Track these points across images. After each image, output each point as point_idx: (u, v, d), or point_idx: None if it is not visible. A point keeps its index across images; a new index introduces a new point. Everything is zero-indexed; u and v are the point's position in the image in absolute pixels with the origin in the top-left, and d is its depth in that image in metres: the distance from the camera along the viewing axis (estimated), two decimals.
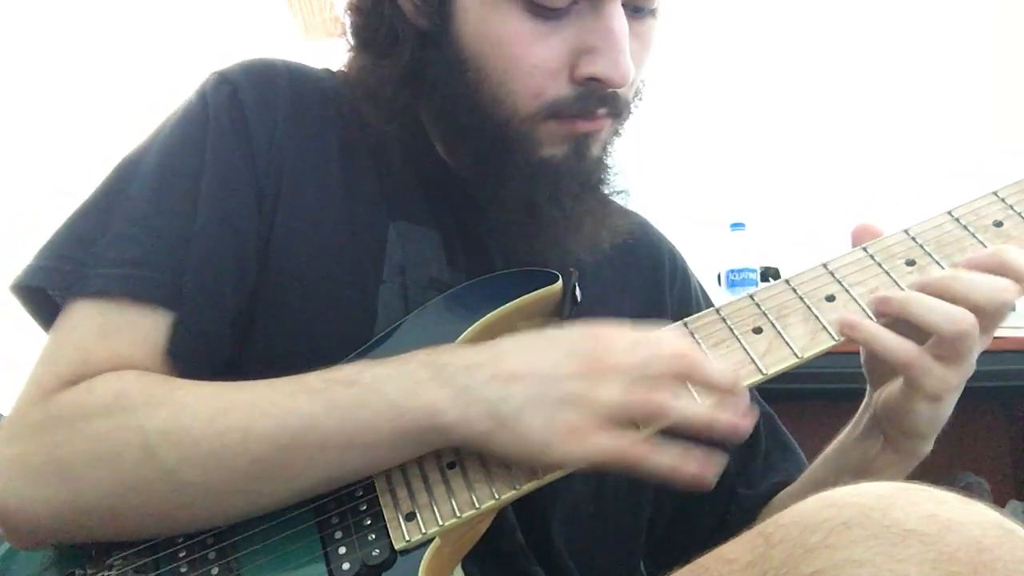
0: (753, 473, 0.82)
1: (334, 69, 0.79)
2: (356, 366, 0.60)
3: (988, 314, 0.59)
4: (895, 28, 2.28)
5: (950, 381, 0.60)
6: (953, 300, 0.59)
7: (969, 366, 0.61)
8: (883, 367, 0.68)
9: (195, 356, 0.64)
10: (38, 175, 2.33)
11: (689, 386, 0.59)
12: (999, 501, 1.79)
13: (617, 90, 0.67)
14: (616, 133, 0.73)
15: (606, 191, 0.73)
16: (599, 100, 0.67)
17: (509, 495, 0.59)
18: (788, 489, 0.80)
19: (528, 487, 0.59)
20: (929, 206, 0.67)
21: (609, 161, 0.73)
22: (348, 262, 0.69)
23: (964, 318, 0.58)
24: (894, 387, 0.65)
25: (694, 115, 2.23)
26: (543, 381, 0.57)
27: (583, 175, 0.70)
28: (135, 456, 0.57)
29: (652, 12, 0.69)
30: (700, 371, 0.58)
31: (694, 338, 0.63)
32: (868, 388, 0.72)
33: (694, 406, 0.58)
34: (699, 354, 0.60)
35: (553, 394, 0.57)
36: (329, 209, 0.70)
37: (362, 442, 0.57)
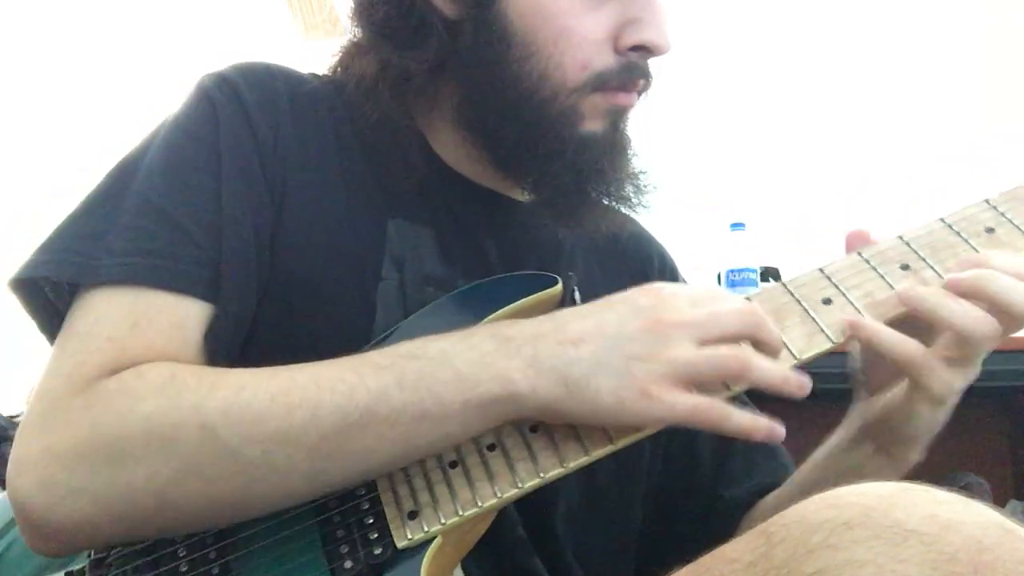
0: (733, 473, 0.82)
1: (319, 73, 0.79)
2: (417, 342, 0.59)
3: (1013, 318, 0.59)
4: (891, 26, 2.28)
5: (955, 383, 0.60)
6: (983, 300, 0.59)
7: (975, 370, 0.61)
8: (877, 375, 0.68)
9: (229, 346, 0.64)
10: (38, 175, 2.33)
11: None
12: (999, 501, 1.79)
13: (650, 61, 0.70)
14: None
15: (633, 168, 0.75)
16: (640, 71, 0.70)
17: (512, 493, 0.59)
18: (776, 493, 0.80)
19: (531, 485, 0.59)
20: (921, 190, 0.68)
21: (631, 137, 0.75)
22: (348, 260, 0.70)
23: (988, 322, 0.58)
24: (895, 392, 0.65)
25: (694, 115, 2.23)
26: (609, 341, 0.57)
27: (620, 150, 0.72)
28: (194, 436, 0.55)
29: None
30: (765, 330, 0.59)
31: None
32: (857, 396, 0.72)
33: (772, 365, 0.58)
34: (761, 313, 0.60)
35: (621, 353, 0.56)
36: (330, 207, 0.71)
37: (435, 415, 0.56)
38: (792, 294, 0.64)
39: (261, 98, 0.71)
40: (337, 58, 0.78)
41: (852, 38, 2.28)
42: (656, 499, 0.82)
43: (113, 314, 0.61)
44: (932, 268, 0.64)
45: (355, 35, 0.75)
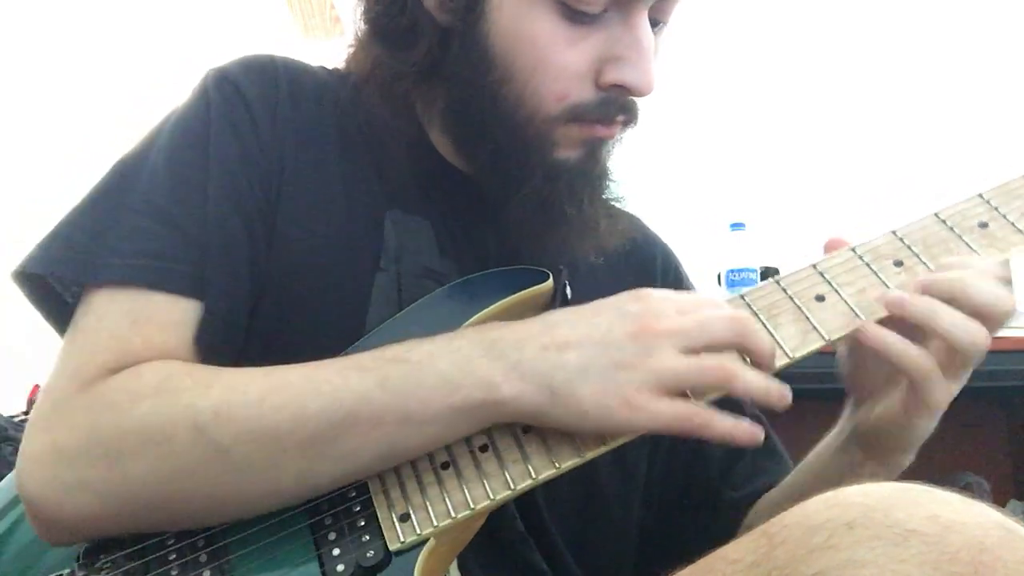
0: (739, 475, 0.83)
1: (330, 67, 0.79)
2: (403, 345, 0.59)
3: (991, 323, 0.59)
4: (893, 27, 2.28)
5: (952, 393, 0.61)
6: (961, 306, 0.59)
7: (967, 376, 0.62)
8: (872, 381, 0.67)
9: (222, 344, 0.64)
10: (40, 169, 2.33)
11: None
12: (999, 501, 1.79)
13: (635, 99, 0.68)
14: (619, 140, 0.73)
15: (610, 196, 0.74)
16: (620, 107, 0.68)
17: (504, 494, 0.58)
18: (769, 493, 0.80)
19: (524, 486, 0.58)
20: (928, 203, 0.67)
21: (611, 167, 0.74)
22: (346, 250, 0.70)
23: (981, 334, 0.58)
24: (891, 402, 0.65)
25: (694, 115, 2.23)
26: (596, 348, 0.57)
27: (595, 179, 0.71)
28: (186, 436, 0.56)
29: (666, 25, 0.71)
30: (753, 338, 0.59)
31: None
32: (849, 401, 0.71)
33: (754, 373, 0.58)
34: (752, 320, 0.60)
35: (607, 360, 0.56)
36: (328, 198, 0.71)
37: (418, 418, 0.57)
38: (785, 291, 0.64)
39: (261, 91, 0.72)
40: (348, 51, 0.78)
41: (854, 38, 2.28)
42: (659, 498, 0.82)
43: (115, 313, 0.63)
44: (925, 264, 0.64)
45: (358, 30, 0.75)
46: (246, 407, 0.56)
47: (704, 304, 0.60)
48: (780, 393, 0.58)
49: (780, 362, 0.61)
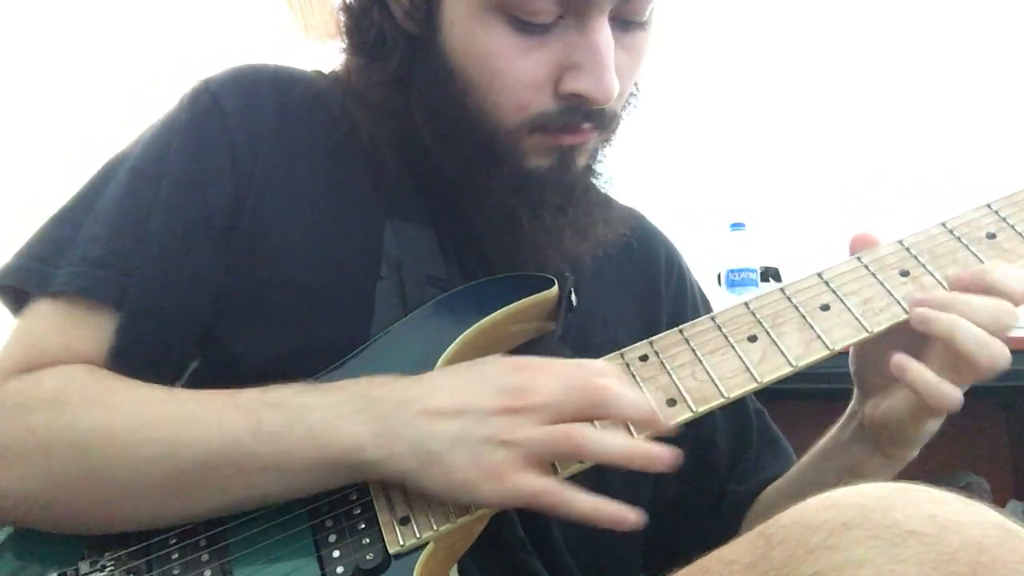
0: (744, 470, 0.83)
1: (326, 71, 0.79)
2: (293, 389, 0.60)
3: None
4: (894, 26, 2.28)
5: (958, 398, 0.61)
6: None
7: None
8: (878, 377, 0.68)
9: (137, 358, 0.65)
10: (40, 169, 2.33)
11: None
12: (999, 501, 1.79)
13: (603, 106, 0.66)
14: (605, 143, 0.72)
15: (592, 200, 0.72)
16: (584, 115, 0.66)
17: None
18: (774, 485, 0.80)
19: None
20: (930, 205, 0.67)
21: (598, 169, 0.73)
22: (344, 260, 0.70)
23: (1004, 354, 0.59)
24: (897, 402, 0.65)
25: (694, 115, 2.23)
26: (469, 420, 0.57)
27: (567, 187, 0.69)
28: (64, 452, 0.59)
29: (642, 25, 0.68)
30: (613, 407, 0.58)
31: (689, 345, 0.63)
32: (856, 394, 0.72)
33: (612, 439, 0.57)
34: (613, 386, 0.58)
35: (478, 433, 0.56)
36: (322, 210, 0.71)
37: (279, 469, 0.58)
38: (790, 300, 0.64)
39: (242, 104, 0.71)
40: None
41: (859, 48, 2.28)
42: (666, 496, 0.82)
43: (45, 317, 0.66)
44: (932, 275, 0.63)
45: (341, 39, 0.75)
46: (121, 434, 0.59)
47: (575, 374, 0.59)
48: (645, 457, 0.56)
49: (780, 373, 0.61)
